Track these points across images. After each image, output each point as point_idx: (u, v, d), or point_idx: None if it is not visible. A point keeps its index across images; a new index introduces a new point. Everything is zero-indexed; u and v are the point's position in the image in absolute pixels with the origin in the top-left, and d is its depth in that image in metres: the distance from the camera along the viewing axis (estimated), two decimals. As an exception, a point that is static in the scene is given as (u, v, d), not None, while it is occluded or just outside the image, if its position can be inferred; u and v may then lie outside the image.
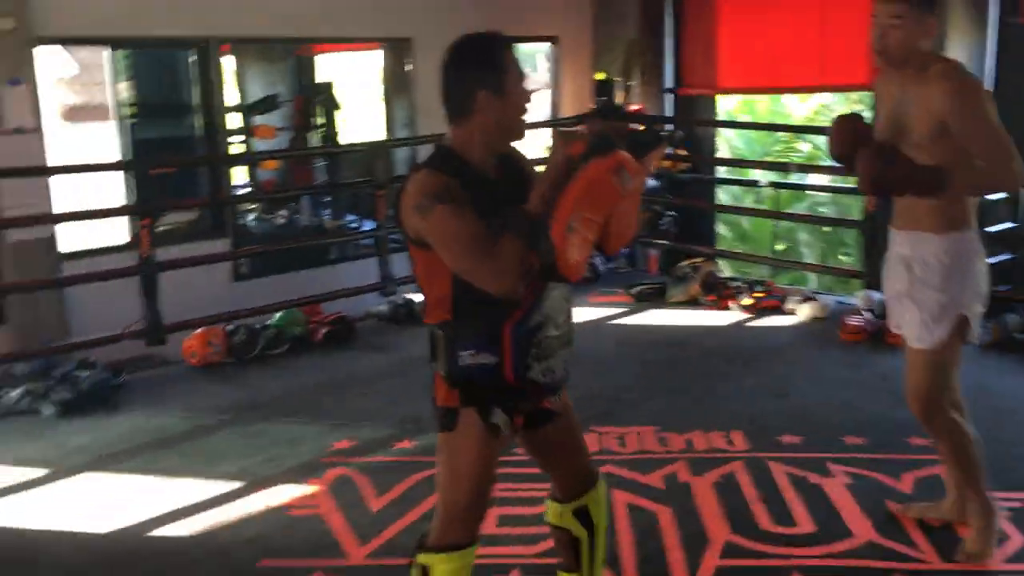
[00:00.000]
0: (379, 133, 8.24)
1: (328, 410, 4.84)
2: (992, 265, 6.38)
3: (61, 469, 4.19)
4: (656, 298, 6.86)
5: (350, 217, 8.54)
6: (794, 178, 9.81)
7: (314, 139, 8.80)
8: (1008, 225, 6.33)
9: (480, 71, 2.24)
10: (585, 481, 2.59)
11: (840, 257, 10.73)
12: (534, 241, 2.10)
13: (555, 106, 8.63)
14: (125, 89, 7.16)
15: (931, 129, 2.77)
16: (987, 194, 2.87)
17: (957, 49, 6.54)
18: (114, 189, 6.84)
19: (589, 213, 2.10)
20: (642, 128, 2.27)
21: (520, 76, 2.28)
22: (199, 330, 5.61)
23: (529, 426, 2.43)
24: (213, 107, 6.59)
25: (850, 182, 6.82)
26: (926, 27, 2.77)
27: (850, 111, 2.96)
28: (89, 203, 6.30)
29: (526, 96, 2.29)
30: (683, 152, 7.97)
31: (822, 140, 9.45)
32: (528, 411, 2.40)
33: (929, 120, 2.77)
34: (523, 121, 2.31)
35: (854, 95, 9.87)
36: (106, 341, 5.34)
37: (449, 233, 2.15)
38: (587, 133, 2.19)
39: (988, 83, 6.77)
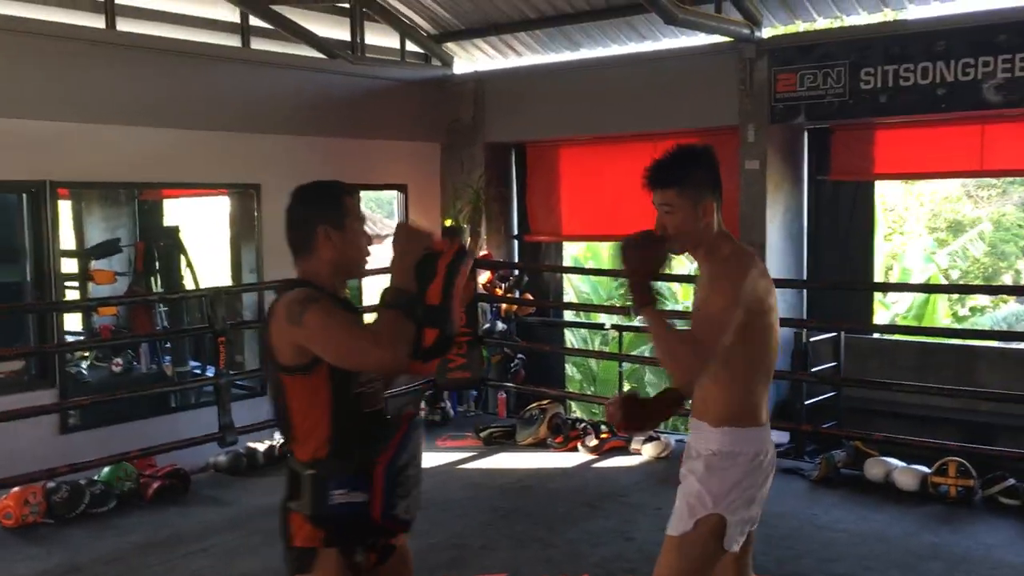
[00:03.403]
0: (226, 278, 8.11)
1: (154, 572, 4.53)
2: (816, 403, 6.82)
3: None
4: (505, 441, 6.87)
5: (193, 363, 8.25)
6: (638, 321, 10.18)
7: (157, 284, 8.55)
8: (830, 364, 6.74)
9: (320, 209, 2.42)
10: None
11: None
12: (439, 323, 2.36)
13: (405, 252, 8.74)
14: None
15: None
16: (675, 370, 2.75)
17: (777, 202, 7.12)
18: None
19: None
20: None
21: (359, 218, 2.47)
22: (15, 489, 5.21)
23: (377, 563, 2.44)
24: (44, 252, 6.33)
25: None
26: (702, 210, 2.71)
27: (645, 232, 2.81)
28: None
29: (366, 237, 2.48)
30: (529, 297, 8.18)
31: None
32: (380, 547, 2.42)
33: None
34: (363, 259, 2.49)
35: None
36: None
37: (327, 327, 2.26)
38: (450, 236, 2.50)
39: (803, 229, 7.38)
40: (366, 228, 2.51)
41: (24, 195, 6.31)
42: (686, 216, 2.71)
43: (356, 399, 2.35)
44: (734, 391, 2.72)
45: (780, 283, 7.00)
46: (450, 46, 8.75)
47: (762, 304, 2.69)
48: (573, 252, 11.50)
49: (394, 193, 8.92)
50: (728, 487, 2.68)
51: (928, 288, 10.28)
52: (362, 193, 8.94)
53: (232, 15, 7.53)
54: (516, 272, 8.22)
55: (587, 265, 11.50)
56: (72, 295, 7.51)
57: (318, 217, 2.41)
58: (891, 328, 8.41)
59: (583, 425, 6.82)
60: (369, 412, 2.38)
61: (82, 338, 7.93)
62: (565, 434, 6.74)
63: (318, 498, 2.29)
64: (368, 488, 2.28)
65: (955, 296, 11.57)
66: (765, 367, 2.76)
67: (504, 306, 8.13)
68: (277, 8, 7.32)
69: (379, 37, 8.42)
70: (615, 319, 9.71)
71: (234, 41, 7.58)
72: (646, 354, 10.78)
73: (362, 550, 2.34)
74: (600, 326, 9.30)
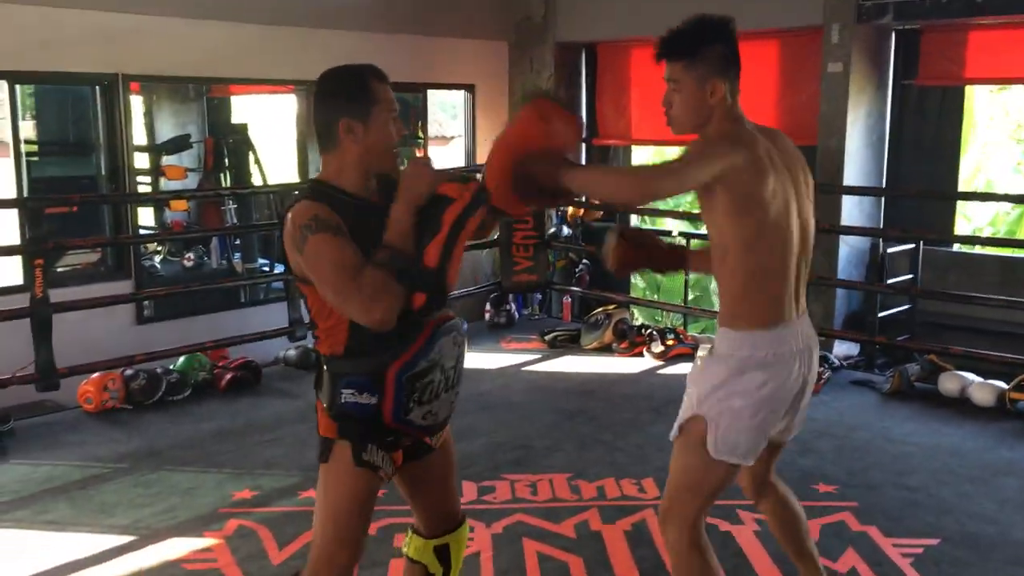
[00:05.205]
0: (294, 176, 8.13)
1: (229, 458, 4.66)
2: (891, 315, 6.64)
3: (-62, 522, 3.94)
4: (570, 345, 6.87)
5: (262, 260, 8.36)
6: (704, 228, 10.02)
7: (226, 181, 8.62)
8: (906, 276, 6.55)
9: (342, 100, 2.24)
10: (451, 520, 2.57)
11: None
12: (430, 288, 2.19)
13: (470, 153, 8.65)
14: (28, 126, 6.89)
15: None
16: (608, 199, 2.72)
17: (860, 107, 6.83)
18: (9, 228, 6.54)
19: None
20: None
21: (389, 108, 2.26)
22: (96, 374, 5.38)
23: (406, 460, 2.41)
24: (118, 145, 6.39)
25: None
26: (711, 88, 2.52)
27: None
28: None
29: (396, 127, 2.28)
30: (595, 201, 8.06)
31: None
32: (406, 446, 2.38)
33: None
34: (391, 154, 2.31)
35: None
36: (-7, 385, 5.07)
37: (320, 264, 2.15)
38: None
39: (885, 136, 7.09)
40: (396, 119, 2.28)
41: (97, 88, 6.34)
42: (692, 94, 2.53)
43: None
44: (732, 289, 2.51)
45: (858, 191, 6.85)
46: (521, -61, 8.45)
47: (744, 176, 2.41)
48: (641, 158, 11.24)
49: (459, 94, 8.78)
50: (709, 388, 2.49)
51: (1017, 198, 9.79)
52: (429, 93, 8.84)
53: (301, -94, 7.34)
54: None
55: (655, 171, 11.26)
56: (144, 190, 7.62)
57: (340, 110, 2.21)
58: (972, 239, 8.08)
59: (649, 331, 6.77)
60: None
61: (154, 231, 8.07)
62: (631, 339, 6.71)
63: (331, 392, 2.28)
64: (379, 392, 2.23)
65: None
66: (768, 261, 2.47)
67: (570, 210, 8.04)
68: (346, -103, 7.11)
69: (448, -70, 8.16)
70: (681, 225, 9.54)
71: (302, -67, 7.41)
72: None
73: (377, 448, 2.26)
74: (667, 233, 9.13)
